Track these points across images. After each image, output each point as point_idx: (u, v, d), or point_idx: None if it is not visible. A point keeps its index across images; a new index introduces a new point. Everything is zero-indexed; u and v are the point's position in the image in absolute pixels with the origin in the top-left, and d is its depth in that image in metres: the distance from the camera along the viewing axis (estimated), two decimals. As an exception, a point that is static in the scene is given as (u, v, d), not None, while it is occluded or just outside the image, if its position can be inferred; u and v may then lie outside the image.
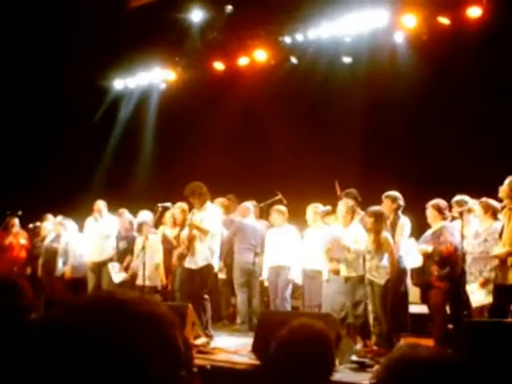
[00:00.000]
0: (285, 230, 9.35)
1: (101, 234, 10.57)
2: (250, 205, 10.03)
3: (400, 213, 8.27)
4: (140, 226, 9.91)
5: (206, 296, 8.60)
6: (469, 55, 9.42)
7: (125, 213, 10.90)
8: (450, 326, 7.71)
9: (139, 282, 9.39)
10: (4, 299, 2.40)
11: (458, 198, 8.10)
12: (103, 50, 12.18)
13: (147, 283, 9.33)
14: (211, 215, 8.60)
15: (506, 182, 7.14)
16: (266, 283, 9.50)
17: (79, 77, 12.55)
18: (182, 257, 8.92)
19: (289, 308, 9.18)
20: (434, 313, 7.84)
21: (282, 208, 9.55)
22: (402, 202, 8.28)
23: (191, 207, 9.03)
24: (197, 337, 7.90)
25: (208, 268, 8.48)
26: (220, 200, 10.39)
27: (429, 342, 7.45)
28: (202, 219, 8.53)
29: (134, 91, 13.82)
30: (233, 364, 6.82)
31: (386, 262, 7.73)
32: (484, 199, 7.66)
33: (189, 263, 8.60)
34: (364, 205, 8.39)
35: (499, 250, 7.08)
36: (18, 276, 8.19)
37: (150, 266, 9.45)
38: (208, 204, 8.71)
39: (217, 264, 8.76)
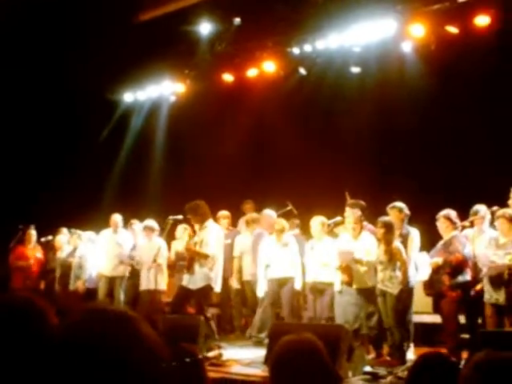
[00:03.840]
0: (284, 240, 9.27)
1: (116, 249, 10.62)
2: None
3: (406, 224, 8.27)
4: (149, 228, 10.03)
5: (213, 311, 8.58)
6: (477, 64, 9.41)
7: (136, 223, 10.98)
8: (466, 336, 7.68)
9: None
10: (20, 326, 1.83)
11: (474, 207, 8.10)
12: (113, 63, 12.24)
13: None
14: (212, 236, 8.55)
15: None
16: (262, 294, 9.25)
17: (90, 90, 12.64)
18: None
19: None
20: (447, 322, 7.82)
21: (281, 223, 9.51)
22: (407, 211, 8.30)
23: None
24: (209, 349, 7.91)
25: (206, 289, 8.45)
26: (223, 213, 10.42)
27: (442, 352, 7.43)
28: (203, 240, 8.53)
29: (144, 104, 13.87)
30: (246, 376, 6.81)
31: (398, 272, 7.73)
32: (495, 208, 7.66)
33: (187, 282, 8.59)
34: (375, 215, 8.37)
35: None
36: (37, 294, 8.18)
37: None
38: (209, 223, 8.66)
39: (218, 283, 8.70)
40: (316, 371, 2.52)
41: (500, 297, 7.26)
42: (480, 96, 9.66)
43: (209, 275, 8.44)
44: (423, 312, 8.57)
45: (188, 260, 8.71)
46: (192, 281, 8.53)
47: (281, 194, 10.55)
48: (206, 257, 8.46)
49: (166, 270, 10.25)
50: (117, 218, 10.82)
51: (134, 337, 1.29)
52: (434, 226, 8.09)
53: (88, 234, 11.30)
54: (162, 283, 10.04)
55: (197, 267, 8.50)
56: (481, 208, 8.05)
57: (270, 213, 9.86)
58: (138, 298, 10.36)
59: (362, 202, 8.77)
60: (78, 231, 11.36)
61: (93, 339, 1.26)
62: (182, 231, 10.01)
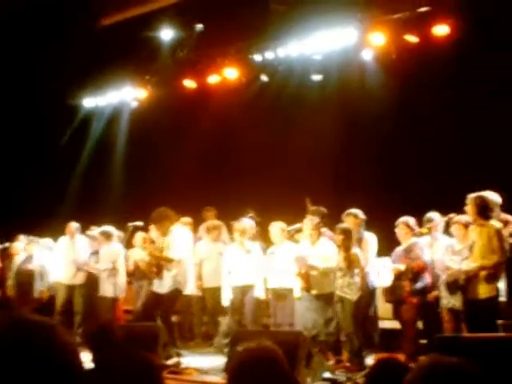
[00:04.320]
0: (247, 247, 9.21)
1: (73, 257, 10.50)
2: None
3: (362, 229, 8.36)
4: (107, 234, 9.92)
5: (173, 319, 8.53)
6: (436, 72, 9.54)
7: (95, 230, 10.86)
8: (424, 342, 7.75)
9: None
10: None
11: (427, 215, 8.22)
12: (74, 68, 12.13)
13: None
14: (177, 240, 8.52)
15: (468, 200, 7.24)
16: (226, 302, 9.19)
17: (50, 95, 12.49)
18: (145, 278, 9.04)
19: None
20: (406, 328, 7.90)
21: (252, 223, 9.50)
22: (363, 216, 8.38)
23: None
24: (168, 357, 7.84)
25: (174, 293, 8.42)
26: (185, 220, 10.37)
27: (400, 358, 7.48)
28: (168, 245, 8.50)
29: (105, 109, 13.75)
30: (205, 384, 6.77)
31: (357, 278, 7.77)
32: (452, 215, 7.76)
33: (157, 287, 8.56)
34: (336, 222, 8.41)
35: (470, 264, 7.16)
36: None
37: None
38: (174, 227, 8.61)
39: (188, 287, 8.65)
40: (275, 379, 2.51)
41: (457, 302, 7.36)
42: (439, 104, 9.78)
43: (176, 279, 8.40)
44: (383, 318, 8.64)
45: (156, 265, 8.67)
46: (161, 285, 8.50)
47: (242, 200, 10.53)
48: (170, 261, 8.42)
49: (125, 277, 10.15)
50: (73, 225, 10.73)
51: (52, 344, 1.42)
52: (391, 233, 8.16)
53: (45, 241, 11.15)
54: (121, 290, 9.93)
55: (165, 272, 8.47)
56: (434, 215, 8.18)
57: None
58: (96, 306, 10.23)
59: (323, 209, 8.81)
60: (36, 238, 11.19)
61: (14, 347, 1.39)
62: (140, 239, 9.90)
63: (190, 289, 8.77)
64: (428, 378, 1.75)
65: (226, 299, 9.18)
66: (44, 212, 12.18)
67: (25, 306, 10.77)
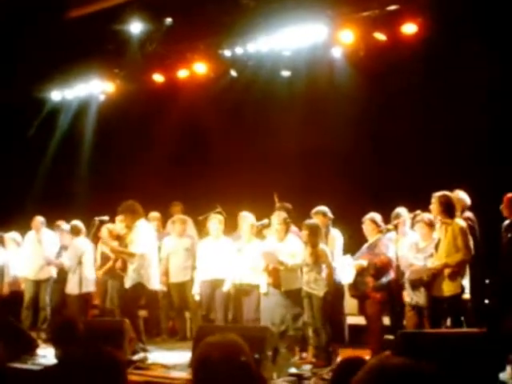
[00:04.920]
0: (221, 241, 9.29)
1: (40, 252, 10.38)
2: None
3: (330, 226, 8.42)
4: (74, 228, 9.84)
5: (139, 314, 8.51)
6: (404, 70, 9.63)
7: (63, 224, 10.76)
8: (391, 337, 7.82)
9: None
10: None
11: (395, 210, 8.29)
12: (41, 60, 11.97)
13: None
14: (140, 235, 8.50)
15: (433, 199, 7.33)
16: (197, 297, 9.31)
17: (15, 88, 12.32)
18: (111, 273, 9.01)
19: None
20: (371, 323, 7.98)
21: (221, 217, 9.52)
22: (331, 215, 8.45)
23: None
24: (134, 352, 7.81)
25: (137, 287, 8.39)
26: (154, 215, 10.35)
27: (366, 353, 7.56)
28: (132, 239, 8.49)
29: (72, 103, 13.60)
30: (170, 380, 6.76)
31: (323, 274, 7.81)
32: (418, 212, 7.84)
33: (125, 283, 8.57)
34: (301, 218, 8.44)
35: (435, 262, 7.24)
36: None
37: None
38: (139, 222, 8.58)
39: (152, 281, 8.63)
40: (238, 372, 2.50)
41: (420, 299, 7.43)
42: (407, 102, 9.87)
43: (139, 273, 8.37)
44: (349, 314, 8.70)
45: (121, 260, 8.68)
46: (126, 280, 8.50)
47: (210, 195, 10.52)
48: (131, 255, 8.39)
49: (94, 272, 10.07)
50: (38, 219, 10.63)
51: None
52: (359, 230, 8.23)
53: (12, 235, 11.01)
54: (89, 286, 9.84)
55: (129, 266, 8.45)
56: (402, 211, 8.25)
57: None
58: (65, 301, 10.16)
59: (288, 205, 8.84)
60: (1, 232, 11.06)
61: None
62: (105, 231, 9.83)
63: (156, 284, 8.72)
64: (375, 380, 1.75)
65: (197, 294, 9.20)
66: (10, 206, 12.04)
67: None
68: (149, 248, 8.54)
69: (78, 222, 10.12)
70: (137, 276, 8.36)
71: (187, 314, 10.14)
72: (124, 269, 8.58)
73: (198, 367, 2.59)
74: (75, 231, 9.98)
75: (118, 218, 9.40)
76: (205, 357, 2.55)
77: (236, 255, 8.90)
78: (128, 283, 8.42)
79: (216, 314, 9.14)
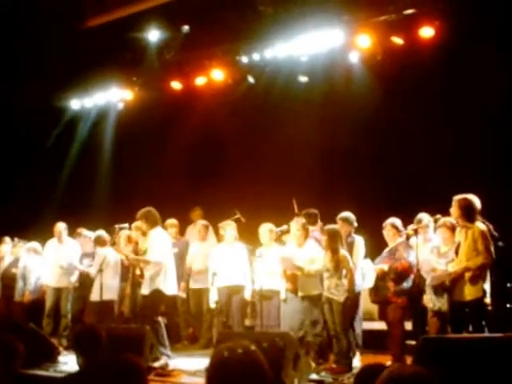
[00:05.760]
0: (236, 247, 9.29)
1: (61, 260, 10.41)
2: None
3: (353, 233, 8.39)
4: (99, 239, 9.86)
5: (159, 319, 8.54)
6: (422, 74, 9.59)
7: (83, 231, 10.80)
8: (412, 342, 7.76)
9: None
10: None
11: (418, 216, 8.23)
12: (60, 69, 12.07)
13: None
14: (155, 243, 8.53)
15: (453, 203, 7.27)
16: (213, 305, 9.28)
17: (35, 97, 12.42)
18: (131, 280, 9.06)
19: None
20: (392, 328, 7.91)
21: (234, 224, 9.53)
22: (355, 223, 8.41)
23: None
24: (155, 359, 7.82)
25: (155, 293, 8.41)
26: (171, 221, 10.36)
27: (387, 359, 7.51)
28: (147, 247, 8.56)
29: (91, 111, 13.71)
30: (192, 386, 6.76)
31: (344, 279, 7.78)
32: (438, 216, 7.78)
33: (142, 289, 8.61)
34: (323, 224, 8.43)
35: (455, 266, 7.18)
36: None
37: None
38: (154, 230, 8.60)
39: (169, 288, 8.67)
40: (252, 379, 2.49)
41: (442, 305, 7.37)
42: (425, 106, 9.83)
43: (155, 280, 8.40)
44: (369, 319, 8.66)
45: (140, 268, 8.73)
46: (143, 287, 8.54)
47: (229, 201, 10.54)
48: (146, 262, 8.45)
49: (117, 279, 10.03)
50: (60, 226, 10.62)
51: None
52: (379, 234, 8.19)
53: (33, 245, 11.06)
54: (110, 293, 9.71)
55: (145, 272, 8.52)
56: (424, 216, 8.18)
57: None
58: (87, 309, 10.19)
59: (313, 210, 8.85)
60: (22, 241, 11.12)
61: None
62: (123, 240, 9.83)
63: (173, 290, 8.74)
64: None
65: (212, 301, 9.20)
66: (30, 214, 12.12)
67: (8, 309, 10.72)
68: (164, 255, 8.57)
69: (102, 232, 10.06)
70: (154, 283, 8.40)
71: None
72: (142, 275, 8.62)
73: (210, 374, 2.58)
74: (100, 242, 9.93)
75: (134, 225, 9.42)
76: (217, 363, 2.55)
77: (254, 261, 8.91)
78: (146, 290, 8.46)
79: (233, 320, 9.13)
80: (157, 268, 8.39)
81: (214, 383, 2.51)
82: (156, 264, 8.38)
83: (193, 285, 9.98)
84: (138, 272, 8.96)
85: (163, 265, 8.45)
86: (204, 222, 10.39)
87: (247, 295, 9.07)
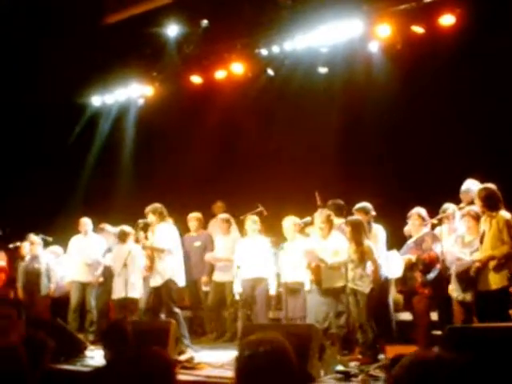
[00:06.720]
0: (259, 240, 9.30)
1: (86, 255, 10.47)
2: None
3: (372, 222, 8.35)
4: (122, 234, 9.88)
5: (177, 310, 8.59)
6: (443, 63, 9.51)
7: (106, 226, 10.87)
8: (438, 332, 7.73)
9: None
10: None
11: (443, 206, 8.17)
12: (80, 66, 12.13)
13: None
14: (161, 234, 8.78)
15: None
16: (237, 296, 9.31)
17: (56, 94, 12.50)
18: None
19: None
20: (418, 319, 7.89)
21: (256, 217, 9.53)
22: (373, 212, 8.37)
23: None
24: (181, 352, 7.86)
25: (170, 283, 8.60)
26: (193, 215, 10.40)
27: (414, 349, 7.48)
28: (154, 241, 8.80)
29: (112, 107, 13.76)
30: (218, 379, 6.77)
31: (369, 270, 7.76)
32: (462, 205, 7.72)
33: (152, 281, 8.75)
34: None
35: (480, 255, 7.13)
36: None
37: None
38: (161, 225, 8.85)
39: (178, 278, 8.75)
40: (280, 370, 2.49)
41: (467, 295, 7.32)
42: (446, 95, 9.74)
43: (166, 270, 8.52)
44: (394, 309, 8.62)
45: (148, 259, 8.83)
46: (156, 279, 8.70)
47: (251, 195, 10.54)
48: (162, 251, 8.66)
49: (140, 276, 9.81)
50: (85, 221, 10.70)
51: None
52: (402, 225, 8.14)
53: (52, 248, 11.20)
54: (134, 290, 9.51)
55: (157, 262, 8.71)
56: (449, 206, 8.12)
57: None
58: (111, 304, 10.25)
59: (339, 201, 8.84)
60: (34, 238, 11.18)
61: None
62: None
63: (181, 281, 8.84)
64: (413, 373, 1.80)
65: (236, 292, 9.24)
66: (53, 211, 12.21)
67: (33, 305, 10.83)
68: (173, 246, 8.74)
69: (125, 227, 10.06)
70: (166, 273, 8.55)
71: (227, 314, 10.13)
72: (150, 268, 8.73)
73: (239, 366, 2.58)
74: (122, 237, 9.91)
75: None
76: (247, 355, 2.55)
77: (279, 254, 8.91)
78: (158, 281, 8.56)
79: (257, 312, 9.15)
80: (170, 257, 8.49)
81: (243, 375, 2.52)
82: (169, 252, 8.50)
83: (216, 277, 10.00)
84: (147, 263, 8.99)
85: (175, 255, 8.60)
86: (224, 215, 10.38)
87: (272, 291, 9.09)
